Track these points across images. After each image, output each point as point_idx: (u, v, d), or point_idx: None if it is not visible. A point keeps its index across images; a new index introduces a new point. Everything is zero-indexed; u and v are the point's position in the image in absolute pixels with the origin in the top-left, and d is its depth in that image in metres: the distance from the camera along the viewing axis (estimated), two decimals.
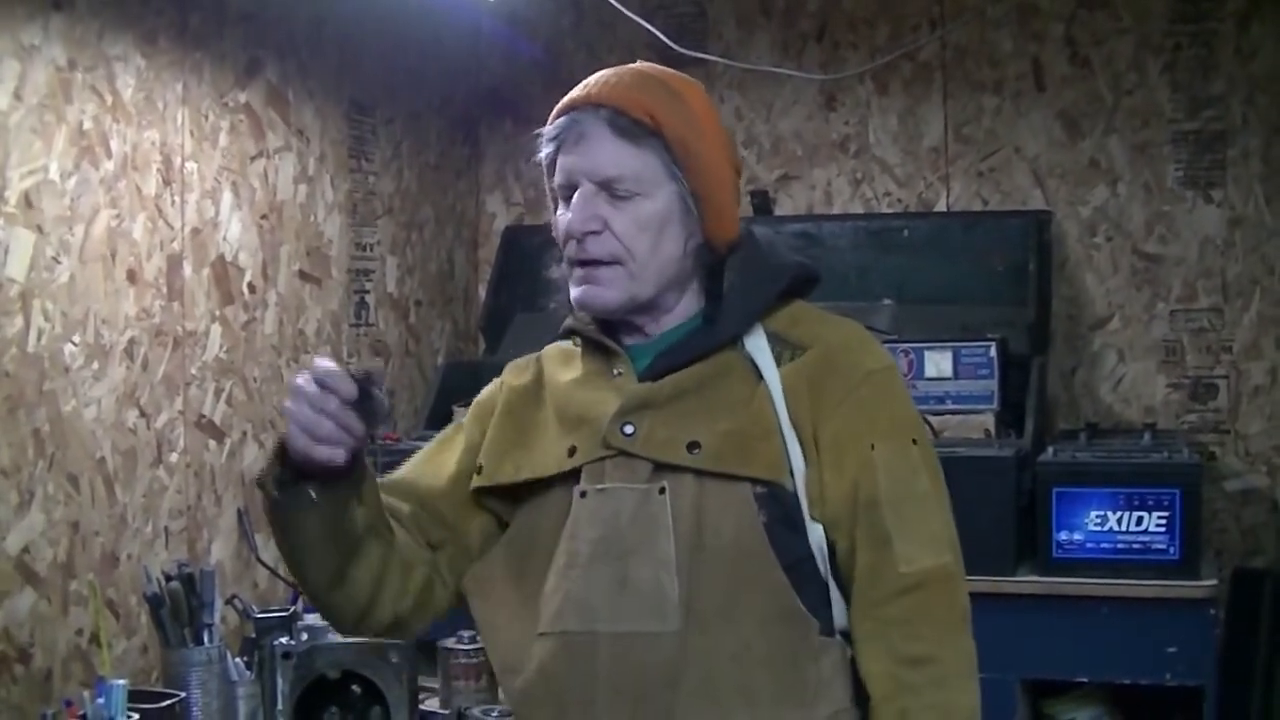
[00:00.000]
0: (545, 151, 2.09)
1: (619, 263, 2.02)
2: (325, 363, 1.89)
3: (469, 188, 5.17)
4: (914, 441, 2.02)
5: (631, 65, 2.14)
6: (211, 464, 3.70)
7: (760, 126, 4.85)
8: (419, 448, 4.13)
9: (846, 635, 1.99)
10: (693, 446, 1.97)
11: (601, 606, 1.97)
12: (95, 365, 3.29)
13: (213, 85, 3.71)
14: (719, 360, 2.03)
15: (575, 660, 1.97)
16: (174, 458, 3.56)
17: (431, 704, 3.37)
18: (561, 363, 2.19)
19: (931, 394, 4.12)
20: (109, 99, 3.34)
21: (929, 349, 4.15)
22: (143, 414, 3.45)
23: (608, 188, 2.01)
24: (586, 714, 1.96)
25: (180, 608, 3.25)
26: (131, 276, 3.41)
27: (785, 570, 1.94)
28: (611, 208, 2.01)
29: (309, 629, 3.13)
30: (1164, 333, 4.49)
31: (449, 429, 2.31)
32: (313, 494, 1.93)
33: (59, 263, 3.19)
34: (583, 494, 2.02)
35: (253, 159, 3.87)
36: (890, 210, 4.79)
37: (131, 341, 3.41)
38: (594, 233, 2.01)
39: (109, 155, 3.34)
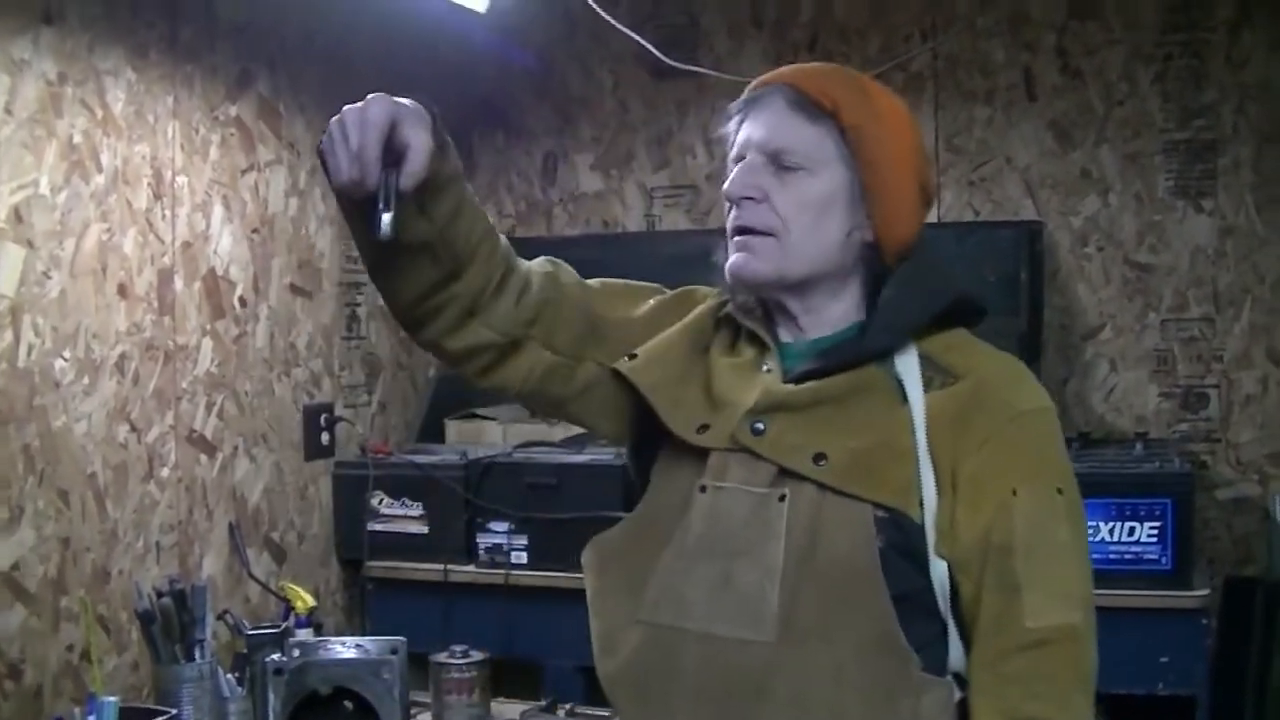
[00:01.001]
0: (727, 127, 2.08)
1: (773, 234, 1.98)
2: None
3: None
4: (1059, 491, 1.92)
5: (828, 64, 2.15)
6: (203, 478, 3.70)
7: None
8: (411, 461, 4.15)
9: (960, 678, 1.93)
10: (819, 458, 1.92)
11: (698, 604, 1.94)
12: (86, 380, 3.29)
13: (203, 98, 3.71)
14: (865, 374, 1.97)
15: (663, 654, 1.95)
16: (165, 472, 3.56)
17: (423, 719, 3.36)
18: (728, 335, 2.15)
19: None
20: (99, 113, 3.34)
21: None
22: (134, 429, 3.45)
23: (775, 159, 1.98)
24: (666, 710, 1.94)
25: (171, 624, 3.24)
26: (122, 291, 3.40)
27: (894, 599, 1.88)
28: (775, 180, 1.98)
29: (301, 645, 3.12)
30: (1155, 342, 4.49)
31: (650, 287, 2.29)
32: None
33: (49, 277, 3.18)
34: (703, 489, 1.99)
35: (244, 172, 3.87)
36: None
37: (122, 356, 3.41)
38: (751, 199, 1.98)
39: (99, 169, 3.34)
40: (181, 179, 3.62)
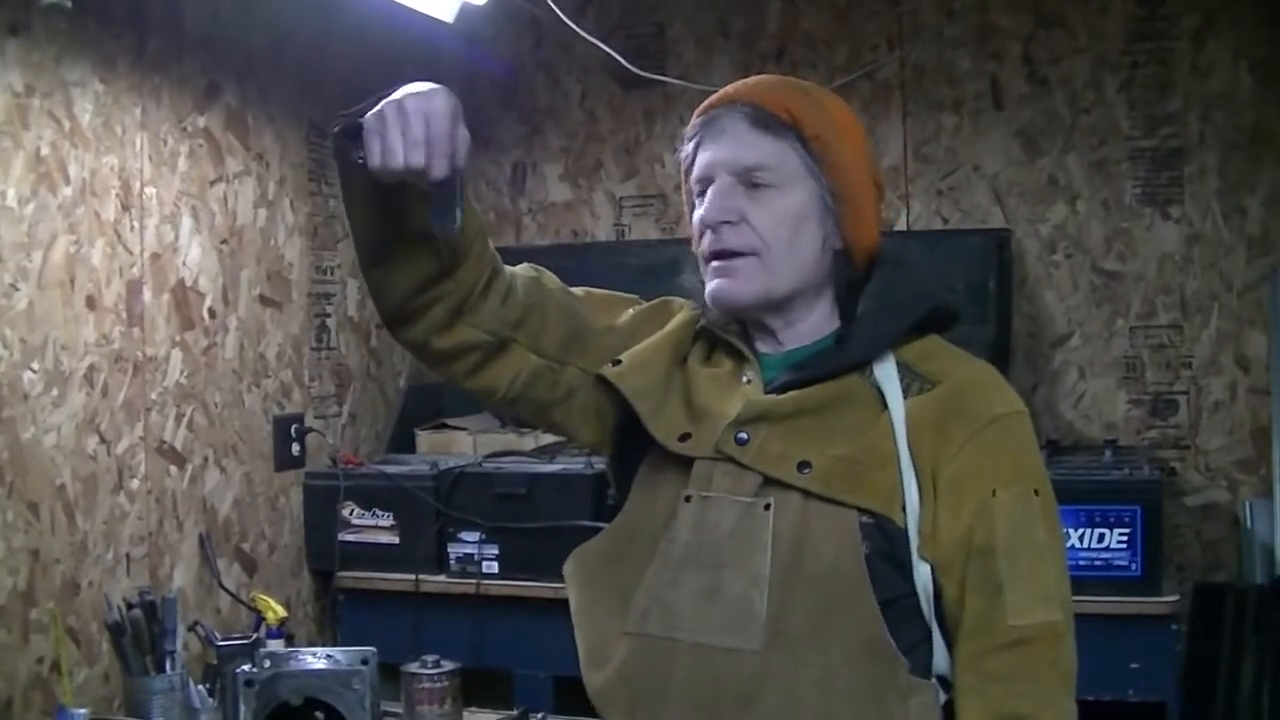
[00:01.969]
0: (684, 151, 2.08)
1: (755, 254, 1.98)
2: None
3: None
4: (1036, 492, 1.94)
5: (771, 75, 2.15)
6: (173, 490, 3.69)
7: None
8: (381, 471, 4.15)
9: (944, 681, 1.94)
10: (803, 466, 1.93)
11: (687, 615, 1.94)
12: (55, 392, 3.28)
13: (171, 110, 3.70)
14: (845, 383, 1.98)
15: (653, 665, 1.94)
16: (135, 484, 3.55)
17: None
18: (705, 346, 2.16)
19: None
20: (67, 124, 3.33)
21: None
22: (103, 440, 3.44)
23: (745, 178, 1.98)
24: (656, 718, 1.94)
25: (142, 635, 3.24)
26: (91, 302, 3.40)
27: (881, 605, 1.88)
28: (749, 199, 1.98)
29: (272, 656, 3.11)
30: (1124, 349, 4.51)
31: (628, 297, 2.28)
32: (359, 159, 1.89)
33: (17, 289, 3.17)
34: (688, 498, 1.99)
35: (212, 183, 3.86)
36: None
37: (91, 368, 3.40)
38: (730, 223, 1.98)
39: (67, 181, 3.33)
40: (150, 190, 3.61)
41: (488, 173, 5.17)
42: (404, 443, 4.61)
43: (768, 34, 4.85)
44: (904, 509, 1.91)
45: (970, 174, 4.68)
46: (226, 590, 3.86)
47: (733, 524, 1.94)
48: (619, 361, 2.10)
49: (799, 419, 1.97)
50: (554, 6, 4.18)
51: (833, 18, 4.78)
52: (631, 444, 2.10)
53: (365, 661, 3.08)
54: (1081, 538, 3.63)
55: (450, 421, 4.56)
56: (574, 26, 4.30)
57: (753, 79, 2.11)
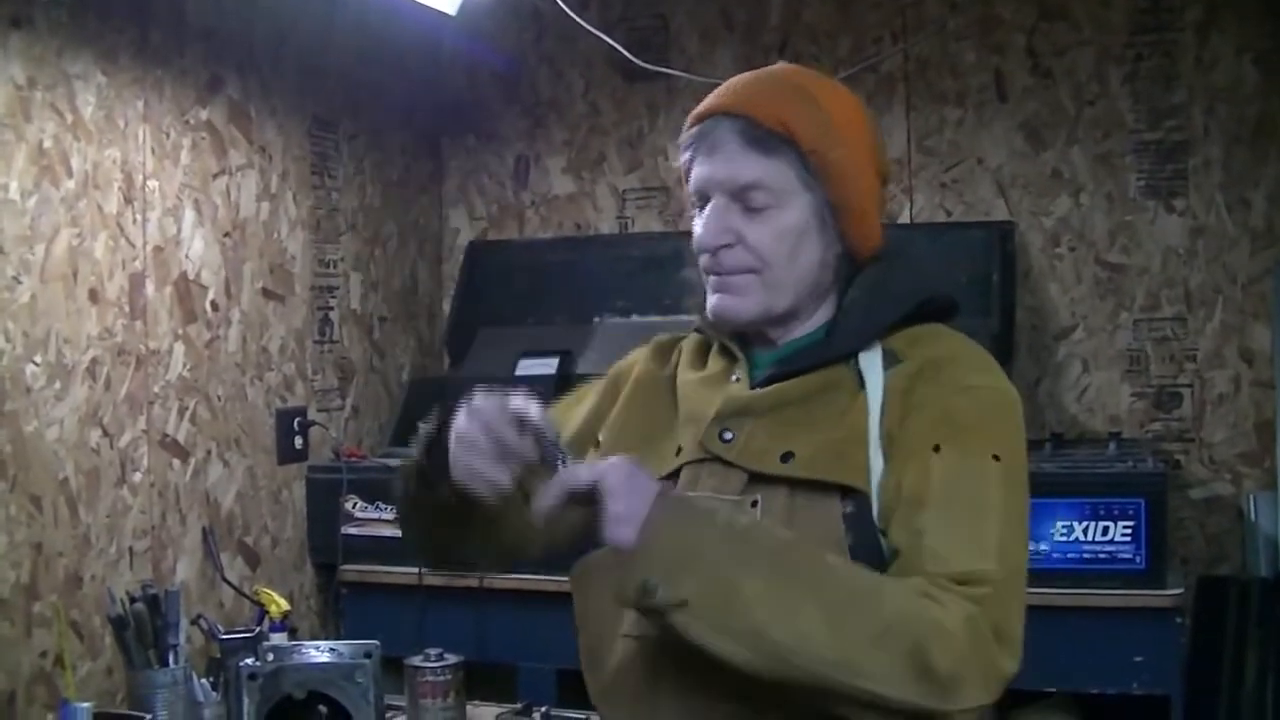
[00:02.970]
0: (682, 159, 2.06)
1: (754, 272, 1.98)
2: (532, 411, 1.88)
3: (432, 203, 5.16)
4: (996, 458, 1.88)
5: (771, 68, 2.10)
6: (176, 483, 3.68)
7: None
8: (384, 465, 4.15)
9: None
10: (787, 457, 1.92)
11: None
12: (57, 385, 3.27)
13: (174, 102, 3.69)
14: (829, 374, 1.97)
15: (648, 665, 1.94)
16: (137, 477, 3.54)
17: None
18: (697, 354, 2.16)
19: None
20: (69, 117, 3.33)
21: None
22: (106, 434, 3.43)
23: (741, 199, 1.96)
24: (652, 717, 1.94)
25: (145, 629, 3.23)
26: (93, 295, 3.39)
27: None
28: (745, 219, 1.96)
29: (275, 649, 3.11)
30: (1128, 342, 4.50)
31: (581, 389, 2.31)
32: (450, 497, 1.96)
33: (19, 282, 3.17)
34: None
35: (215, 176, 3.86)
36: None
37: (94, 361, 3.39)
38: (727, 246, 1.97)
39: (69, 174, 3.32)
40: (152, 183, 3.60)
41: (490, 166, 5.16)
42: (407, 436, 4.57)
43: (770, 26, 4.84)
44: (872, 484, 1.90)
45: (974, 167, 4.67)
46: (229, 584, 3.86)
47: None
48: (599, 441, 2.15)
49: (783, 410, 1.97)
50: None
51: (836, 10, 4.77)
52: None
53: (368, 655, 3.08)
54: (1085, 531, 3.62)
55: None
56: (576, 18, 4.29)
57: (749, 78, 2.07)
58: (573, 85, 5.08)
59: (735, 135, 1.97)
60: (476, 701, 3.50)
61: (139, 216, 3.55)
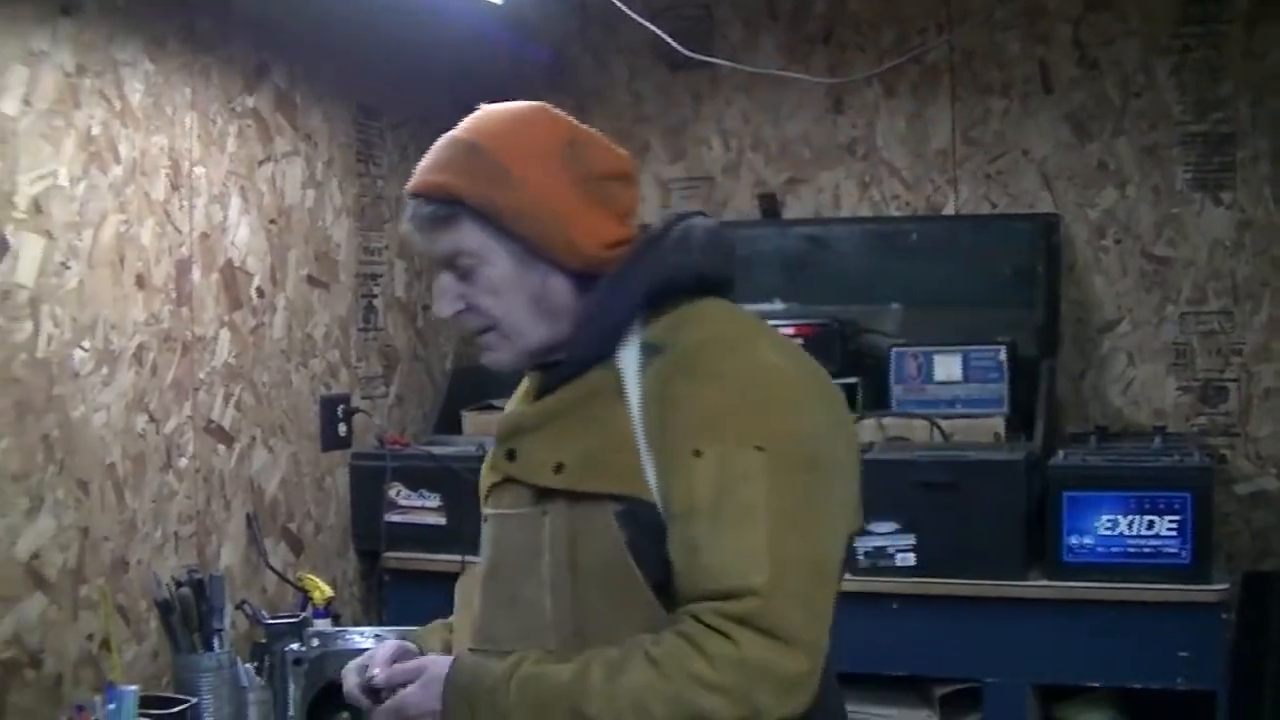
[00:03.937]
0: None
1: (493, 328, 2.05)
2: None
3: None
4: (759, 447, 1.86)
5: (453, 130, 2.09)
6: (220, 469, 3.70)
7: (767, 130, 4.85)
8: (428, 452, 4.15)
9: None
10: (559, 468, 1.97)
11: (496, 624, 2.04)
12: (104, 370, 3.29)
13: (221, 90, 3.71)
14: (589, 380, 2.00)
15: (478, 678, 1.98)
16: (183, 463, 3.56)
17: None
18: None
19: (941, 398, 4.14)
20: (117, 104, 3.34)
21: (938, 352, 4.16)
22: (152, 419, 3.45)
23: (451, 268, 2.04)
24: None
25: (190, 613, 3.25)
26: (140, 281, 3.41)
27: (655, 587, 1.89)
28: (464, 284, 2.04)
29: (320, 635, 3.11)
30: (1174, 335, 4.48)
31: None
32: None
33: (68, 268, 3.18)
34: (485, 519, 2.12)
35: (261, 163, 3.87)
36: (898, 213, 4.78)
37: (140, 347, 3.41)
38: (459, 312, 2.06)
39: (117, 160, 3.34)
40: (199, 170, 3.62)
41: None
42: (450, 423, 4.61)
43: (815, 15, 4.82)
44: (652, 487, 1.91)
45: (1019, 158, 4.65)
46: (273, 570, 3.87)
47: (518, 536, 2.03)
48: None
49: (550, 424, 2.03)
50: None
51: (880, 0, 4.76)
52: None
53: None
54: (1130, 525, 3.61)
55: (496, 403, 4.55)
56: (622, 6, 4.28)
57: (430, 153, 2.08)
58: (616, 74, 5.08)
59: (419, 216, 2.04)
60: None
61: (185, 203, 3.56)
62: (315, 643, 3.05)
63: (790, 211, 4.86)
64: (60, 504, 3.15)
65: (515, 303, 2.02)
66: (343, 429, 4.25)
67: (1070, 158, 4.59)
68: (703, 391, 1.90)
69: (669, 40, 4.44)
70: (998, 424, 4.06)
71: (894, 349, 4.29)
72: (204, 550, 3.63)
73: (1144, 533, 3.60)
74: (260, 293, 3.86)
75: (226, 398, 3.72)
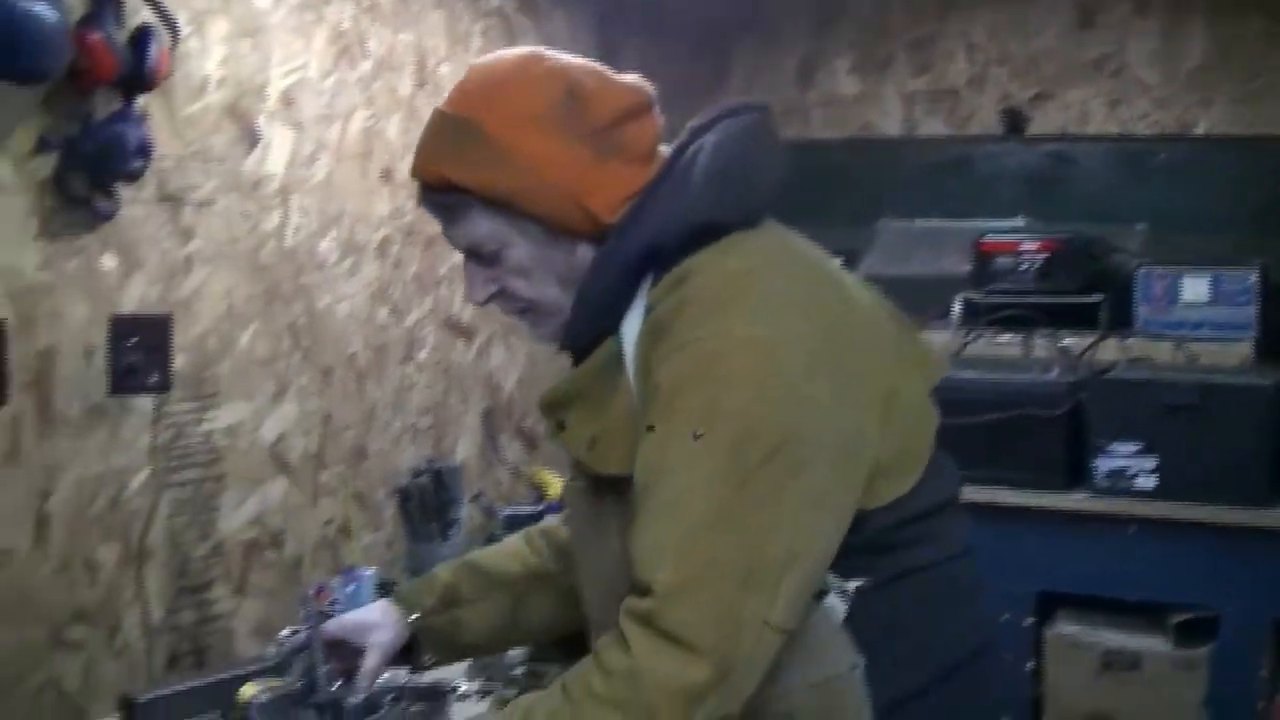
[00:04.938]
0: None
1: (529, 309, 1.95)
2: None
3: (714, 102, 5.12)
4: (696, 435, 1.69)
5: (442, 104, 1.94)
6: (459, 363, 3.75)
7: (1014, 45, 4.75)
8: None
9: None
10: (592, 443, 1.87)
11: (586, 587, 2.02)
12: (349, 262, 3.35)
13: None
14: (599, 354, 1.87)
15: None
16: (423, 355, 3.61)
17: None
18: None
19: (1187, 319, 4.02)
20: (367, 1, 3.38)
21: (1186, 273, 4.05)
22: (394, 311, 3.51)
23: (476, 256, 1.93)
24: None
25: (428, 503, 3.30)
26: (385, 176, 3.46)
27: None
28: (493, 269, 1.92)
29: None
30: None
31: None
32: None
33: (316, 160, 3.24)
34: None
35: None
36: (1147, 133, 4.66)
37: (384, 240, 3.46)
38: (493, 297, 1.95)
39: (365, 56, 3.39)
40: (444, 68, 3.65)
41: (774, 66, 5.11)
42: None
43: None
44: None
45: (1276, 79, 4.49)
46: (507, 465, 3.92)
47: (581, 506, 1.99)
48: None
49: (578, 399, 1.90)
50: None
51: None
52: None
53: None
54: None
55: None
56: None
57: (425, 138, 1.94)
58: None
59: (431, 205, 1.94)
60: None
61: (431, 100, 3.59)
62: None
63: (1035, 128, 4.76)
64: (304, 390, 3.23)
65: (545, 281, 1.91)
66: None
67: None
68: (669, 361, 1.75)
69: None
70: (1246, 349, 3.95)
71: (1140, 268, 4.19)
72: (440, 442, 3.69)
73: None
74: None
75: None
